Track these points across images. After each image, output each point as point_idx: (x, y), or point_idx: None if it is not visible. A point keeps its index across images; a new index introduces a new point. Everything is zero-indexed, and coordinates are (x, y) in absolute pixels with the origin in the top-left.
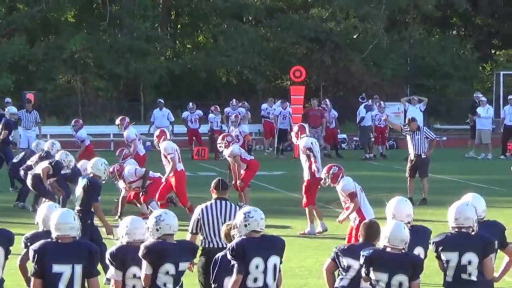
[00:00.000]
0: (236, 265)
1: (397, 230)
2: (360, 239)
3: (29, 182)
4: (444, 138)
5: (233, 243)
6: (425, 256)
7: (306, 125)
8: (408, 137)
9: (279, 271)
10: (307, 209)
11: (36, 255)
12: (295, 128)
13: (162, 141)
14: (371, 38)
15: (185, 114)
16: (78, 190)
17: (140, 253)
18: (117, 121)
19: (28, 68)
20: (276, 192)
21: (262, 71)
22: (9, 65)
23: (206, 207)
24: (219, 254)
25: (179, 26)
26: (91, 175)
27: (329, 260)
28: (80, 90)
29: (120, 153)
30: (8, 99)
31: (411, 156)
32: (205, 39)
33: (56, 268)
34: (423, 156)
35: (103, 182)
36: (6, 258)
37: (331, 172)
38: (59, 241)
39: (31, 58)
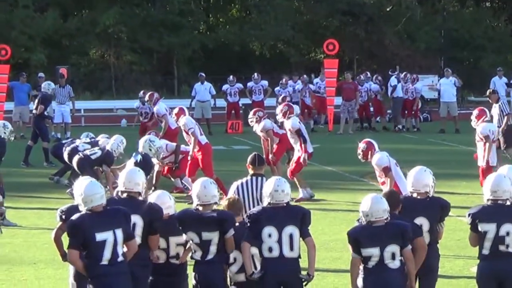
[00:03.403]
0: (246, 233)
1: (376, 203)
2: None
3: (75, 162)
4: None
5: (250, 211)
6: (430, 228)
7: (295, 106)
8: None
9: (311, 240)
10: (295, 178)
11: (75, 228)
12: (284, 107)
13: (182, 118)
14: (405, 10)
15: (225, 87)
16: (130, 165)
17: None
18: (146, 97)
19: (61, 42)
20: (310, 165)
21: (296, 44)
22: (42, 40)
23: (242, 184)
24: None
25: None
26: (143, 153)
27: None
28: (114, 64)
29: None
30: (41, 74)
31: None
32: (238, 12)
33: (99, 236)
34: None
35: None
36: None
37: (360, 149)
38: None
39: (64, 33)
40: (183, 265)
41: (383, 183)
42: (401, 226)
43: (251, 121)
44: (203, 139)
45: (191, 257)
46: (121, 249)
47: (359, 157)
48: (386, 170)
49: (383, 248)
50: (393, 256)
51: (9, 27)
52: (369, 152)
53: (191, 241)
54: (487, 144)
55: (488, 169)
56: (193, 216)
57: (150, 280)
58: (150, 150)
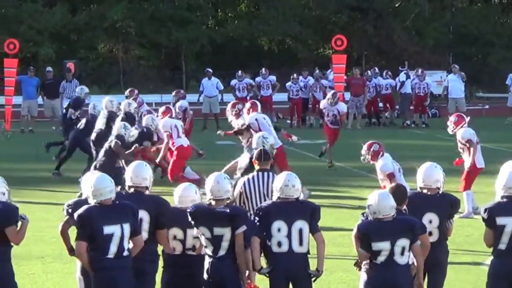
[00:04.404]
0: (256, 227)
1: (383, 200)
2: None
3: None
4: (487, 107)
5: (259, 205)
6: (439, 224)
7: (259, 103)
8: None
9: (320, 235)
10: None
11: (83, 220)
12: (248, 104)
13: (162, 119)
14: (413, 6)
15: (233, 82)
16: (245, 160)
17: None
18: (126, 93)
19: (69, 37)
20: (318, 161)
21: (304, 39)
22: (50, 34)
23: (249, 179)
24: None
25: None
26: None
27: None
28: (122, 59)
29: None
30: (49, 68)
31: None
32: (246, 7)
33: (107, 229)
34: None
35: None
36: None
37: (371, 149)
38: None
39: (72, 27)
40: (200, 257)
41: (384, 187)
42: (410, 221)
43: (229, 114)
44: (179, 141)
45: (204, 252)
46: (127, 244)
47: (367, 157)
48: (391, 177)
49: (394, 242)
50: (402, 251)
51: (17, 21)
52: (380, 153)
53: (202, 236)
54: (472, 148)
55: (475, 171)
56: (205, 210)
57: (167, 272)
58: (264, 146)
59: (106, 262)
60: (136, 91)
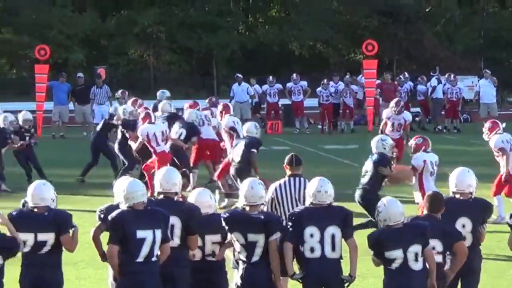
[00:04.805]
0: (289, 233)
1: (392, 207)
2: (424, 211)
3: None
4: None
5: (292, 211)
6: (473, 228)
7: (230, 105)
8: None
9: (353, 241)
10: (218, 181)
11: (116, 223)
12: (220, 107)
13: (145, 124)
14: (444, 11)
15: (264, 87)
16: (369, 165)
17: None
18: (118, 94)
19: (99, 42)
20: (349, 166)
21: (335, 44)
22: (80, 40)
23: (280, 185)
24: None
25: (251, 0)
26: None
27: None
28: (153, 64)
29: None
30: (80, 74)
31: None
32: (277, 13)
33: (140, 233)
34: None
35: None
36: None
37: (415, 142)
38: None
39: (102, 33)
40: (220, 262)
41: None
42: (420, 225)
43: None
44: (160, 148)
45: (237, 259)
46: (157, 249)
47: (410, 150)
48: (412, 169)
49: (406, 249)
50: (416, 257)
51: (47, 27)
52: (422, 147)
53: (236, 242)
54: (505, 156)
55: (510, 178)
56: (239, 216)
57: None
58: (384, 148)
59: (136, 266)
60: (126, 92)
